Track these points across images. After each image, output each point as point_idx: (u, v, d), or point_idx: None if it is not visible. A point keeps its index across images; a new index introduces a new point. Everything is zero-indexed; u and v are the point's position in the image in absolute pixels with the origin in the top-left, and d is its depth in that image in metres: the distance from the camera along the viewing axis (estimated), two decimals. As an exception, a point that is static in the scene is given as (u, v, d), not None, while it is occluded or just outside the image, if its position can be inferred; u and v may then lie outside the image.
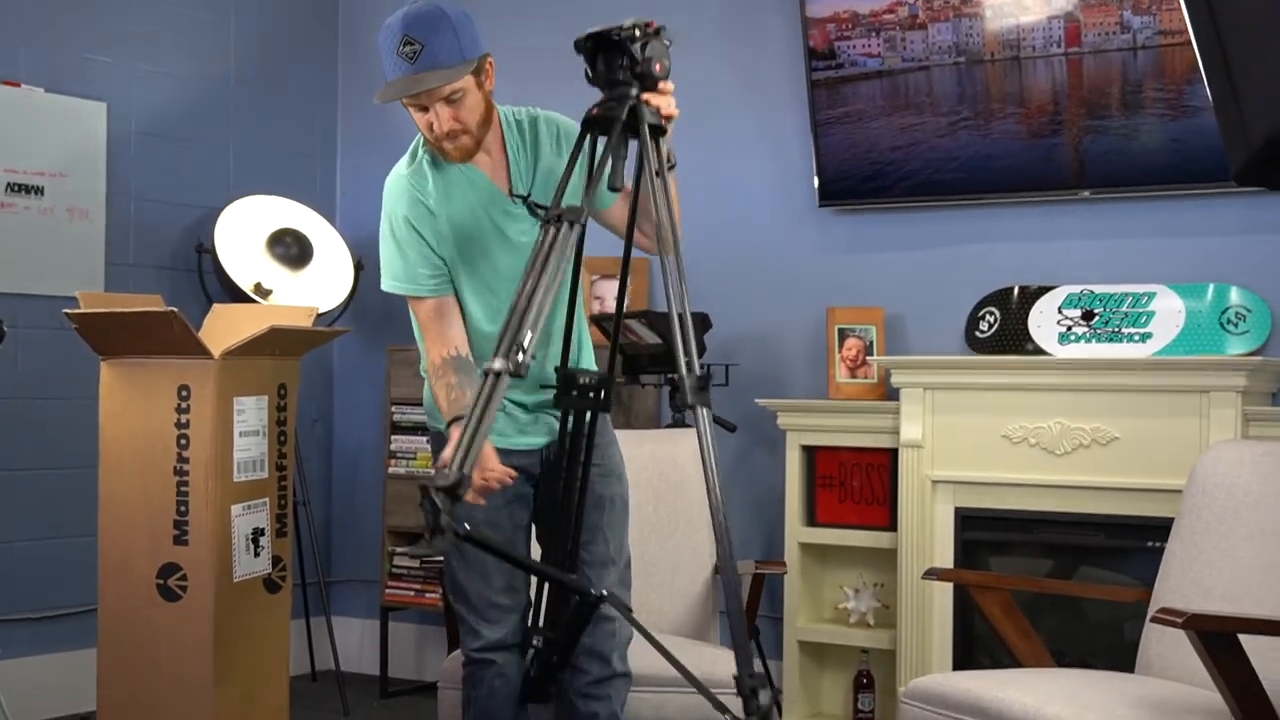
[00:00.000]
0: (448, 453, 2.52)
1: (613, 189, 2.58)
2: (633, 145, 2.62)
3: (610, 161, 2.56)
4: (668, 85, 2.68)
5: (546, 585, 2.93)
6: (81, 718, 4.46)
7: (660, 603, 3.84)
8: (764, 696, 2.28)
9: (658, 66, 2.61)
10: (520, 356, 2.25)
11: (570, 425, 2.85)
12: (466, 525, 2.33)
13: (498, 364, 2.24)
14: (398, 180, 2.95)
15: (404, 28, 2.76)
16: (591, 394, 2.78)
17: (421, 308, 2.94)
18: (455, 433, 2.60)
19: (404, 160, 2.98)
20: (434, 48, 2.75)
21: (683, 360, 2.40)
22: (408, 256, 2.92)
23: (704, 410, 2.43)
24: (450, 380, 2.86)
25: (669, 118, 2.67)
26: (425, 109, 2.81)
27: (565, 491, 2.88)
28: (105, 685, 3.59)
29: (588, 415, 2.83)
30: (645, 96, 2.61)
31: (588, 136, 2.63)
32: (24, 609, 4.61)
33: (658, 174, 2.59)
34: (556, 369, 2.86)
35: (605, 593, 2.77)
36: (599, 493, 3.02)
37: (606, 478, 3.05)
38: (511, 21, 5.10)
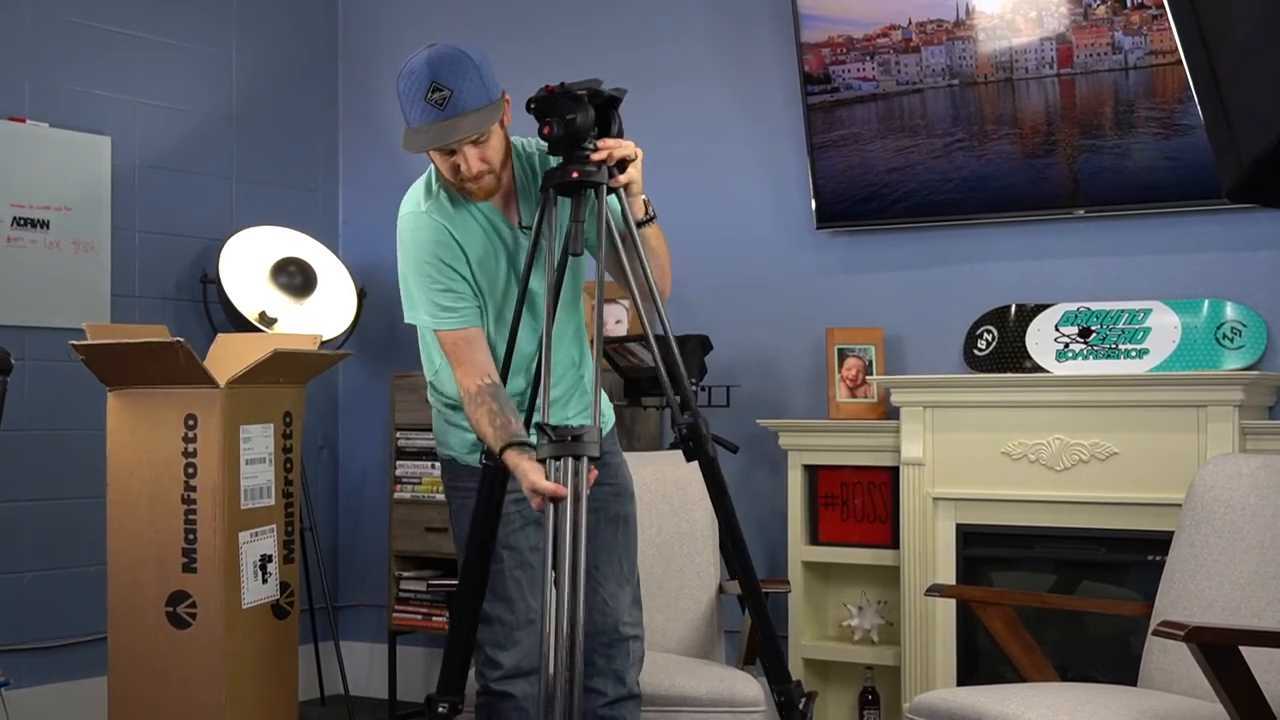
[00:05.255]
0: (544, 484, 2.60)
1: (572, 254, 2.73)
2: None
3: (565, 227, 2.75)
4: (602, 142, 2.72)
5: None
6: (92, 746, 4.48)
7: (666, 623, 3.87)
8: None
9: (545, 129, 2.70)
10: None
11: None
12: None
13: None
14: (418, 216, 2.90)
15: (430, 74, 2.73)
16: (690, 443, 2.75)
17: (449, 337, 2.90)
18: (521, 459, 2.68)
19: (419, 194, 2.93)
20: (462, 92, 2.72)
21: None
22: (436, 290, 2.88)
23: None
24: (491, 407, 2.80)
25: (580, 178, 2.70)
26: (451, 152, 2.78)
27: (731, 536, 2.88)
28: (116, 713, 3.62)
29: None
30: (596, 156, 2.71)
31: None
32: (34, 638, 4.63)
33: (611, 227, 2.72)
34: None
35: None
36: (614, 512, 3.03)
37: (620, 497, 3.06)
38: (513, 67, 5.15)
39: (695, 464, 2.80)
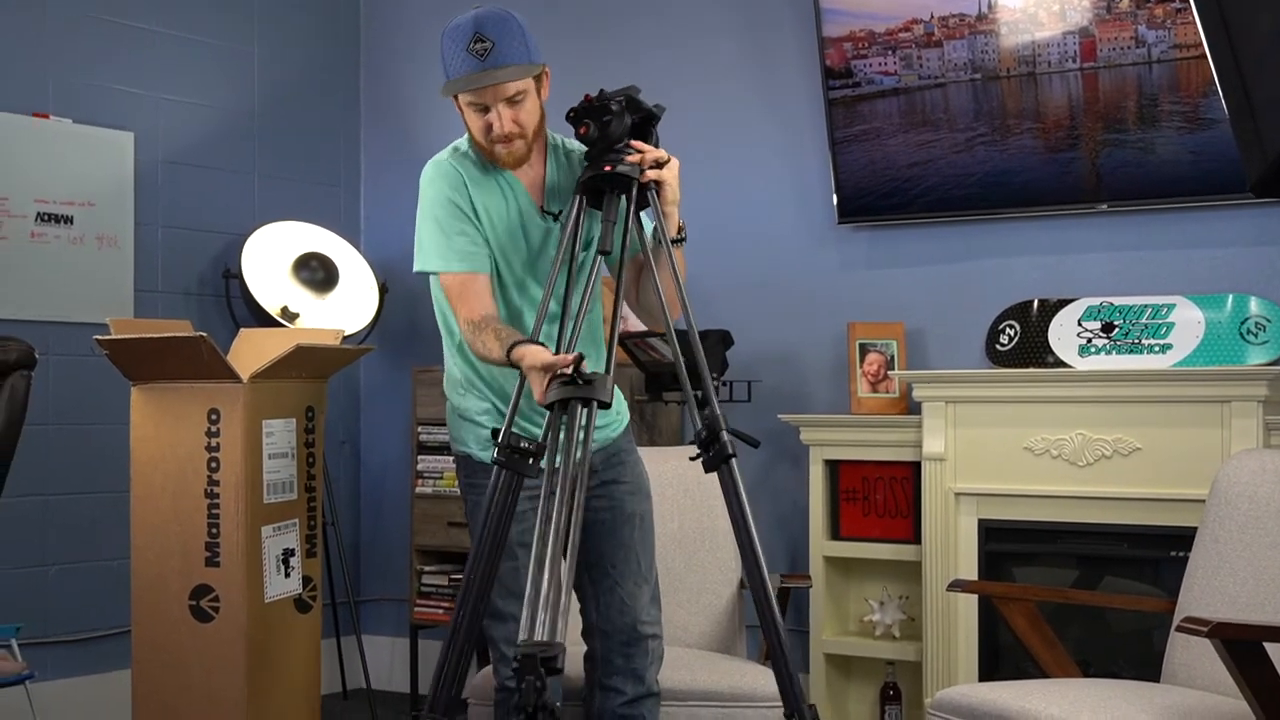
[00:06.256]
0: (554, 358, 2.57)
1: (600, 252, 2.73)
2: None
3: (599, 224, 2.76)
4: (636, 144, 2.81)
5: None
6: (116, 739, 4.51)
7: (687, 618, 3.87)
8: None
9: (582, 129, 2.79)
10: None
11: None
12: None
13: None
14: (439, 164, 2.95)
15: (475, 26, 2.81)
16: (709, 450, 2.71)
17: (456, 279, 2.90)
18: (528, 348, 2.63)
19: (445, 151, 2.99)
20: (504, 46, 2.80)
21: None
22: (447, 232, 2.90)
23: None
24: (496, 327, 2.80)
25: (613, 171, 2.76)
26: (485, 110, 2.84)
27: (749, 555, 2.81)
28: (140, 706, 3.63)
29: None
30: (631, 159, 2.79)
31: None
32: (59, 631, 4.66)
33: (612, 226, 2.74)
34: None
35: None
36: (630, 510, 3.02)
37: (636, 495, 3.05)
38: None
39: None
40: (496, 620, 2.98)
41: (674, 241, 2.85)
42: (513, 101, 2.84)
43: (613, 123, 2.78)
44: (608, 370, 2.63)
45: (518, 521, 2.93)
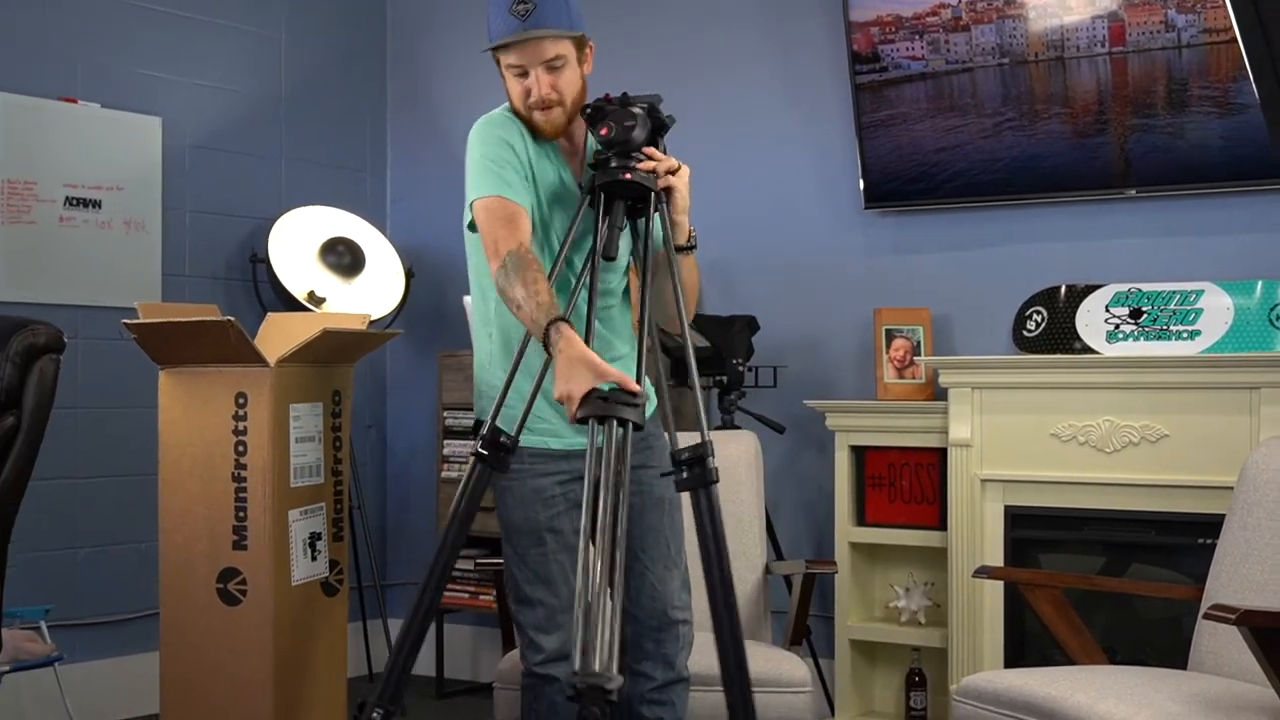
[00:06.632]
0: (614, 372, 2.49)
1: (605, 258, 2.71)
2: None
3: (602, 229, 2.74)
4: (650, 151, 2.80)
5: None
6: (144, 721, 4.54)
7: (712, 603, 3.87)
8: None
9: (603, 130, 2.78)
10: None
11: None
12: None
13: None
14: (491, 117, 2.93)
15: None
16: (685, 472, 2.63)
17: (498, 203, 2.80)
18: (571, 335, 2.54)
19: (496, 110, 2.96)
20: (546, 9, 2.81)
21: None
22: (498, 164, 2.84)
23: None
24: (546, 281, 2.68)
25: (631, 178, 2.74)
26: (525, 75, 2.84)
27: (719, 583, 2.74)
28: (168, 688, 3.65)
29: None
30: (643, 166, 2.78)
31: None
32: (87, 614, 4.70)
33: (610, 230, 2.71)
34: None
35: None
36: (658, 494, 3.02)
37: (664, 479, 3.05)
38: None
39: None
40: (524, 606, 2.97)
41: (684, 249, 2.86)
42: (551, 66, 2.84)
43: (635, 128, 2.78)
44: (639, 378, 2.60)
45: (546, 507, 2.94)
